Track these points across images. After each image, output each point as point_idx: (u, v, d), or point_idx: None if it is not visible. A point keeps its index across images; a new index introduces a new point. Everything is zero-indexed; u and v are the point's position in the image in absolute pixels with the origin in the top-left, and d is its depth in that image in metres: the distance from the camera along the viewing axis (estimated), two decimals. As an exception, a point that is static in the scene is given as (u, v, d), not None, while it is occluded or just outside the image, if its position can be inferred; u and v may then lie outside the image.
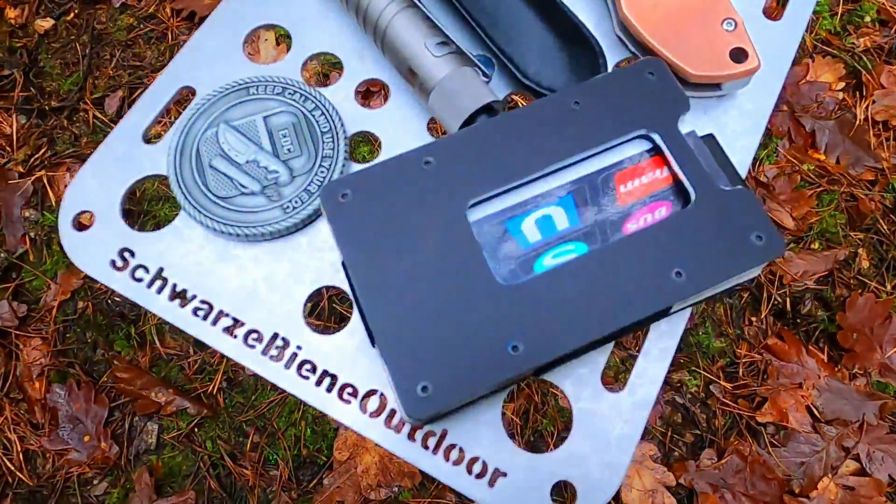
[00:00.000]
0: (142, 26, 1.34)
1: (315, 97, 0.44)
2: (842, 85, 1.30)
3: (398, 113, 0.45)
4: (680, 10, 0.44)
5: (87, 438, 1.05)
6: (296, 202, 0.41)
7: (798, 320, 1.07)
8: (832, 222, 1.17)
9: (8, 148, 1.25)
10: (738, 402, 1.03)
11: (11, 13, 1.34)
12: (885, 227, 1.15)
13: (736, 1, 0.48)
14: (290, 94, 0.44)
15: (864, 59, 1.30)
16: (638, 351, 0.40)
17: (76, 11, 1.35)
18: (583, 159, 0.39)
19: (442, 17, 0.47)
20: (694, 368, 1.06)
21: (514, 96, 0.47)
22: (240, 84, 0.44)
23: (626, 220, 0.38)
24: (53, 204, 1.19)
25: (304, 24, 0.48)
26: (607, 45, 0.47)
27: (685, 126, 0.39)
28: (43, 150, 1.24)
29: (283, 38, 1.29)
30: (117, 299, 1.14)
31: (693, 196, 0.37)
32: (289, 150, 0.42)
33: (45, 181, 1.21)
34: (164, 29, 1.33)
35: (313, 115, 0.43)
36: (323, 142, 0.42)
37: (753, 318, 1.10)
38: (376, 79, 0.46)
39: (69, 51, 1.32)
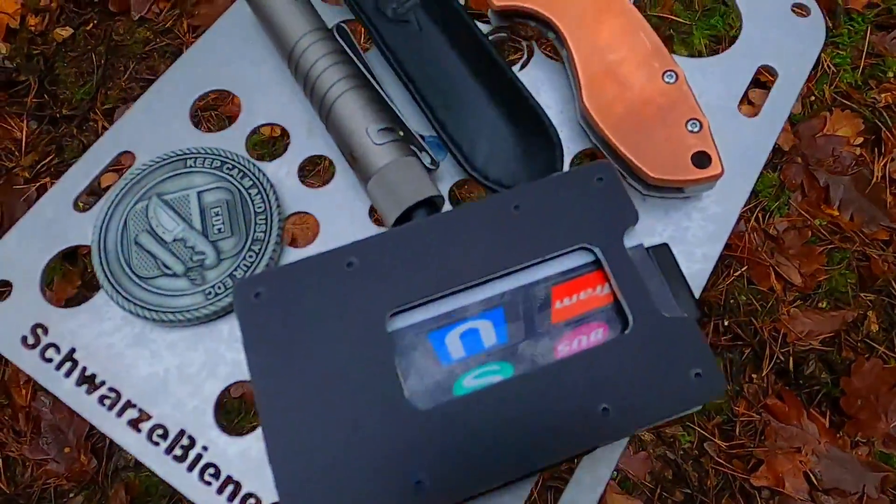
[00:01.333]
0: (158, 40, 1.33)
1: (254, 174, 0.41)
2: (860, 140, 1.24)
3: (339, 195, 0.42)
4: (643, 106, 0.40)
5: (67, 450, 1.04)
6: (218, 288, 0.38)
7: (801, 381, 1.02)
8: (842, 281, 1.12)
9: (17, 153, 1.25)
10: (732, 462, 0.99)
11: (32, 21, 1.34)
12: (897, 289, 1.10)
13: (710, 91, 0.45)
14: (228, 168, 0.41)
15: (885, 115, 1.24)
16: (569, 474, 0.37)
17: (95, 22, 1.35)
18: (519, 268, 0.36)
19: (401, 94, 0.44)
20: (688, 423, 1.02)
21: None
22: (178, 155, 0.41)
23: (559, 341, 0.35)
24: (55, 212, 1.18)
25: (255, 92, 0.45)
26: (569, 133, 0.44)
27: (637, 235, 0.36)
28: (50, 157, 1.24)
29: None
30: None
31: (631, 322, 0.34)
32: (219, 230, 0.40)
33: (49, 187, 1.21)
34: (180, 44, 1.32)
35: (249, 194, 0.41)
36: (256, 223, 0.40)
37: (754, 376, 1.05)
38: (322, 155, 0.43)
39: (85, 60, 1.32)
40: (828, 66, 1.28)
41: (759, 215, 1.18)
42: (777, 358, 1.06)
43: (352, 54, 0.43)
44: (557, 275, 0.36)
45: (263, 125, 0.44)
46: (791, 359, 1.05)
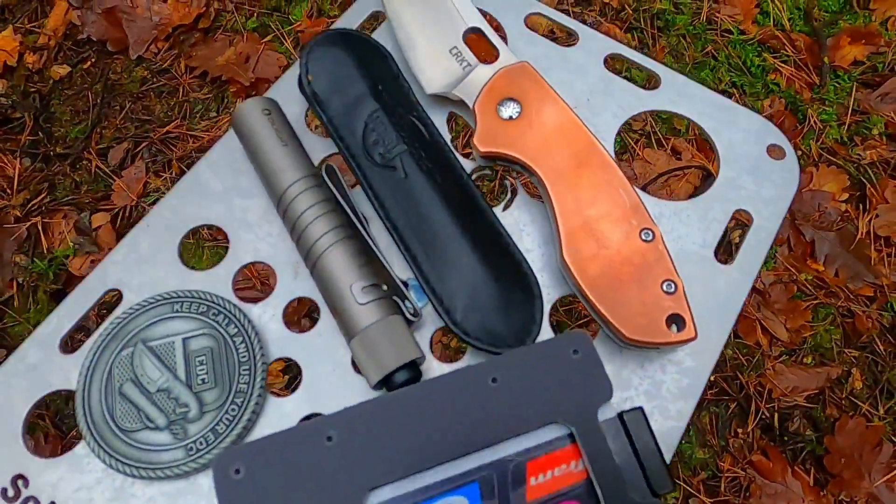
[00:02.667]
0: (155, 80, 1.33)
1: (239, 320, 0.42)
2: (845, 196, 1.26)
3: (323, 341, 0.43)
4: (620, 265, 0.41)
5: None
6: (200, 443, 0.39)
7: (785, 437, 1.04)
8: (827, 337, 1.13)
9: (8, 190, 1.25)
10: (717, 519, 1.00)
11: (30, 58, 1.34)
12: (881, 347, 1.11)
13: (686, 237, 0.45)
14: (214, 314, 0.42)
15: (870, 171, 1.26)
16: None
17: (93, 60, 1.35)
18: (495, 442, 0.36)
19: (386, 235, 0.45)
20: (674, 479, 1.02)
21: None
22: (164, 298, 0.42)
23: (532, 519, 0.35)
24: (45, 251, 1.19)
25: (243, 228, 0.46)
26: (550, 277, 0.44)
27: (610, 404, 0.36)
28: (42, 196, 1.24)
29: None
30: None
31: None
32: (203, 380, 0.40)
33: (40, 227, 1.21)
34: (176, 84, 1.32)
35: (234, 342, 0.41)
36: (239, 374, 0.40)
37: (740, 430, 1.06)
38: (308, 298, 0.43)
39: (81, 98, 1.32)
40: (814, 121, 1.29)
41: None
42: (762, 413, 1.07)
43: (338, 195, 0.43)
44: (533, 447, 0.37)
45: (250, 264, 0.45)
46: (776, 415, 1.06)
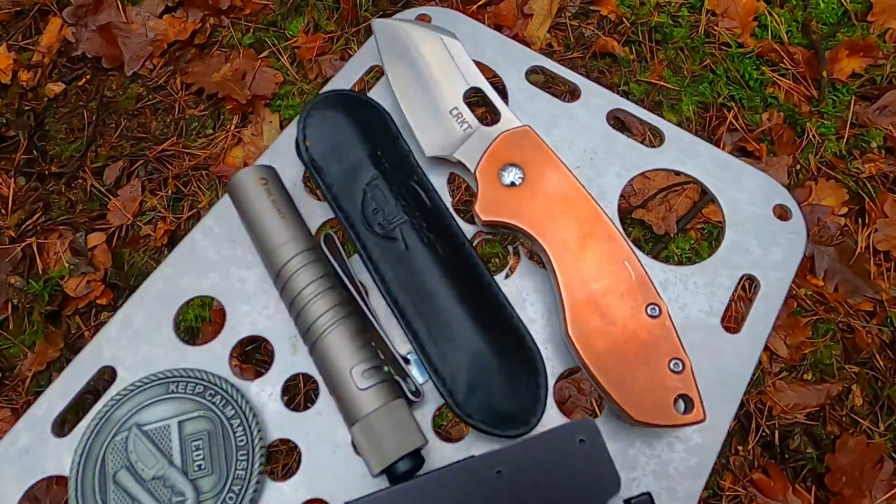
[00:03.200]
0: (150, 97, 1.31)
1: (236, 401, 0.40)
2: (844, 210, 1.24)
3: (322, 420, 0.41)
4: (626, 342, 0.40)
5: (43, 526, 1.02)
6: (198, 534, 0.38)
7: (786, 455, 1.03)
8: (827, 353, 1.12)
9: (3, 210, 1.23)
10: (719, 537, 0.99)
11: (24, 76, 1.31)
12: (881, 362, 1.10)
13: (692, 305, 0.44)
14: (210, 395, 0.40)
15: (868, 185, 1.24)
16: None
17: (88, 77, 1.32)
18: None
19: (385, 307, 0.43)
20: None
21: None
22: (160, 378, 0.40)
23: None
24: (40, 272, 1.17)
25: (239, 300, 0.44)
26: (555, 349, 0.43)
27: (621, 468, 0.35)
28: (37, 216, 1.22)
29: (287, 122, 1.26)
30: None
31: None
32: (199, 466, 0.39)
33: (35, 248, 1.19)
34: (172, 101, 1.30)
35: (231, 425, 0.40)
36: (237, 458, 0.39)
37: (740, 448, 1.06)
38: (307, 374, 0.42)
39: (76, 116, 1.30)
40: (813, 135, 1.27)
41: (746, 284, 1.18)
42: (763, 431, 1.06)
43: (337, 267, 0.42)
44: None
45: (247, 338, 0.43)
46: (777, 432, 1.05)
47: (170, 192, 1.24)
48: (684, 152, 0.49)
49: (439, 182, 0.47)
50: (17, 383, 1.11)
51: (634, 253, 0.42)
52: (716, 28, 1.35)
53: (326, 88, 0.50)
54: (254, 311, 0.44)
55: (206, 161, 1.26)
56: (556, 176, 0.43)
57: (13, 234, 1.21)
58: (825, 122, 1.28)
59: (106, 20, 1.29)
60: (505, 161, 0.44)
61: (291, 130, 0.49)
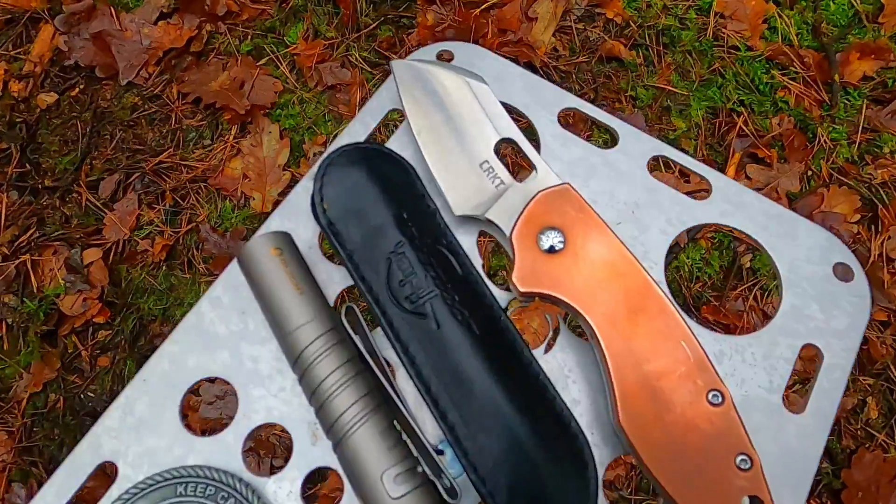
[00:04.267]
0: (146, 107, 1.25)
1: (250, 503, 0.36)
2: (857, 217, 1.20)
3: (349, 521, 0.37)
4: (686, 433, 0.35)
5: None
6: None
7: None
8: (839, 364, 1.08)
9: (-4, 225, 1.17)
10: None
11: (15, 87, 1.25)
12: (896, 374, 1.07)
13: (750, 381, 0.39)
14: (223, 497, 0.35)
15: (881, 191, 1.20)
16: None
17: (81, 87, 1.26)
18: None
19: (411, 388, 0.38)
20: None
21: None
22: (166, 479, 0.36)
23: None
24: (35, 290, 1.12)
25: (252, 383, 0.39)
26: (602, 434, 0.38)
27: None
28: (31, 231, 1.16)
29: (287, 132, 1.20)
30: (90, 394, 1.08)
31: None
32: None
33: (29, 265, 1.14)
34: (169, 111, 1.24)
35: (247, 531, 0.35)
36: (255, 568, 0.34)
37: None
38: (329, 468, 0.37)
39: (70, 128, 1.24)
40: (824, 140, 1.23)
41: (758, 294, 1.14)
42: (773, 444, 1.03)
43: (360, 345, 0.37)
44: None
45: (262, 426, 0.38)
46: (788, 446, 1.02)
47: (167, 205, 1.19)
48: (732, 203, 0.44)
49: (468, 242, 0.42)
50: (12, 405, 1.07)
51: (690, 328, 0.37)
52: (724, 31, 1.29)
53: (343, 135, 0.45)
54: (268, 394, 0.39)
55: (204, 173, 1.21)
56: (602, 241, 0.38)
57: (6, 252, 1.16)
58: (837, 126, 1.24)
59: (99, 28, 1.22)
60: (544, 224, 0.39)
61: (305, 185, 0.44)
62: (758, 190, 0.42)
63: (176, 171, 1.21)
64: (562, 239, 0.39)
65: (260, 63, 1.23)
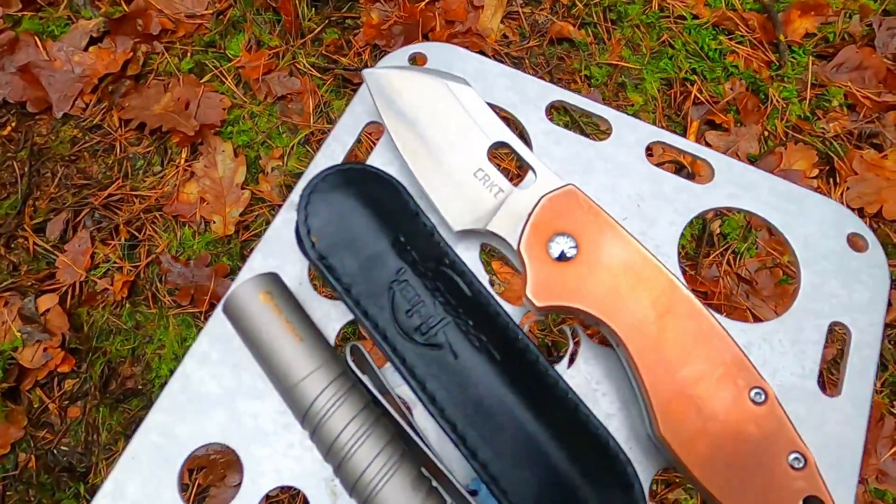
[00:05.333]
0: (87, 138, 1.17)
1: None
2: (815, 172, 1.21)
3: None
4: (732, 440, 0.33)
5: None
6: None
7: None
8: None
9: (-64, 288, 1.08)
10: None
11: (-62, 132, 1.15)
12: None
13: (782, 369, 0.37)
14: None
15: (835, 144, 1.21)
16: None
17: (13, 125, 1.17)
18: None
19: (432, 426, 0.35)
20: (691, 487, 0.99)
21: None
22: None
23: None
24: (-15, 348, 1.04)
25: (257, 444, 0.35)
26: (639, 445, 0.36)
27: None
28: (-24, 288, 1.08)
29: (241, 150, 1.14)
30: (64, 448, 1.01)
31: None
32: None
33: (-16, 321, 1.05)
34: (112, 140, 1.16)
35: None
36: None
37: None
38: (354, 526, 0.33)
39: (5, 169, 1.15)
40: (776, 100, 1.23)
41: (730, 258, 1.14)
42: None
43: (372, 388, 0.33)
44: None
45: (275, 490, 0.34)
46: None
47: (123, 239, 1.12)
48: (738, 185, 0.41)
49: (470, 258, 0.39)
50: (-21, 471, 0.99)
51: (721, 324, 0.34)
52: (669, 2, 1.28)
53: (320, 156, 0.41)
54: (276, 453, 0.35)
55: (158, 201, 1.14)
56: (617, 243, 0.35)
57: (-47, 307, 1.07)
58: (786, 85, 1.24)
59: (25, 60, 1.13)
60: (553, 231, 0.36)
61: (284, 217, 0.39)
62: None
63: (128, 203, 1.14)
64: (573, 244, 0.36)
65: (203, 80, 1.17)
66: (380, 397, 0.34)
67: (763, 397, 0.33)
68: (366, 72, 0.40)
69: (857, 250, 0.40)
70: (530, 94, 0.43)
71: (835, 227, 0.40)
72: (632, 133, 0.42)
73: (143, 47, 1.17)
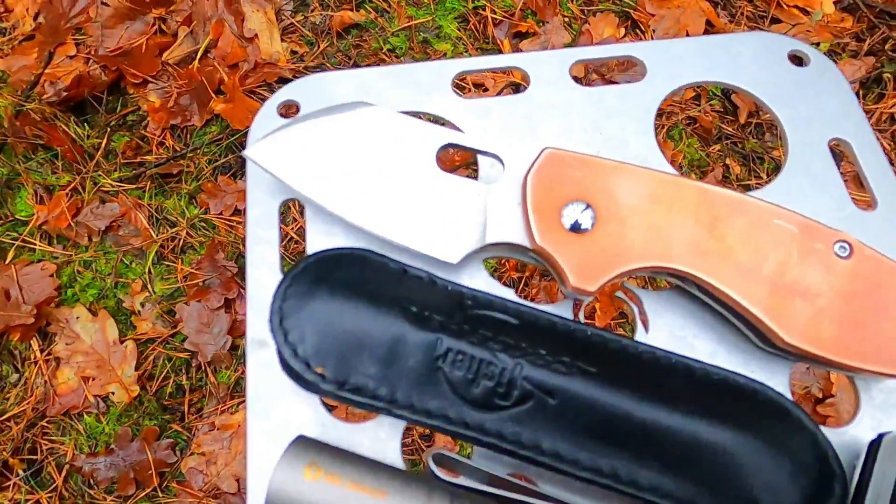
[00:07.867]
0: None
1: None
2: (623, 32, 1.25)
3: None
4: (847, 303, 0.29)
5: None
6: None
7: None
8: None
9: None
10: None
11: None
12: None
13: (818, 207, 0.34)
14: None
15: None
16: None
17: None
18: None
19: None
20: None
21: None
22: None
23: None
24: None
25: None
26: (766, 364, 0.31)
27: None
28: None
29: (96, 305, 0.97)
30: None
31: None
32: None
33: None
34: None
35: None
36: None
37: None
38: None
39: None
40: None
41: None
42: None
43: (478, 483, 0.26)
44: None
45: None
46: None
47: (19, 472, 0.93)
48: (672, 63, 0.38)
49: (482, 281, 0.32)
50: None
51: (762, 199, 0.31)
52: (420, -56, 1.25)
53: (252, 270, 0.32)
54: None
55: (36, 411, 0.95)
56: (626, 181, 0.30)
57: None
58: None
59: None
60: (560, 205, 0.30)
61: (258, 358, 0.30)
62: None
63: (3, 433, 0.95)
64: (585, 206, 0.30)
65: (9, 260, 0.98)
66: (491, 489, 0.27)
67: (847, 250, 0.30)
68: (249, 153, 0.31)
69: (802, 65, 0.38)
70: (425, 80, 0.36)
71: (772, 55, 0.38)
72: (545, 67, 0.37)
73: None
